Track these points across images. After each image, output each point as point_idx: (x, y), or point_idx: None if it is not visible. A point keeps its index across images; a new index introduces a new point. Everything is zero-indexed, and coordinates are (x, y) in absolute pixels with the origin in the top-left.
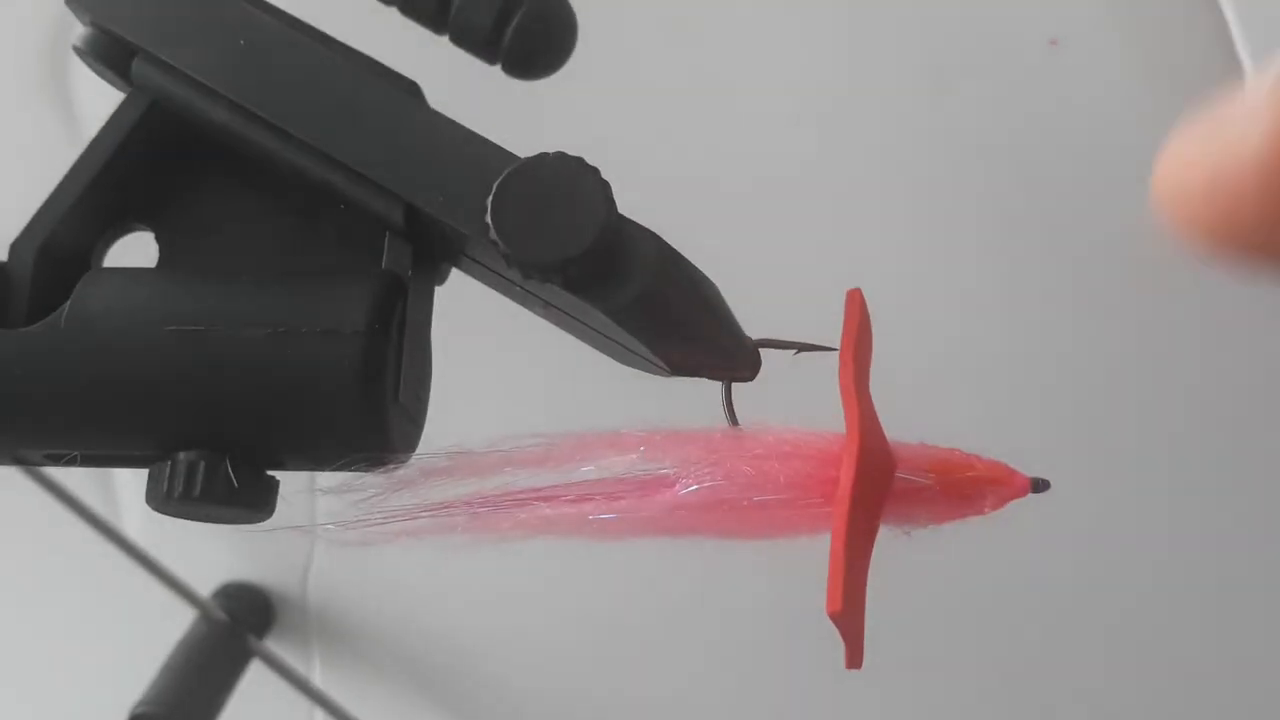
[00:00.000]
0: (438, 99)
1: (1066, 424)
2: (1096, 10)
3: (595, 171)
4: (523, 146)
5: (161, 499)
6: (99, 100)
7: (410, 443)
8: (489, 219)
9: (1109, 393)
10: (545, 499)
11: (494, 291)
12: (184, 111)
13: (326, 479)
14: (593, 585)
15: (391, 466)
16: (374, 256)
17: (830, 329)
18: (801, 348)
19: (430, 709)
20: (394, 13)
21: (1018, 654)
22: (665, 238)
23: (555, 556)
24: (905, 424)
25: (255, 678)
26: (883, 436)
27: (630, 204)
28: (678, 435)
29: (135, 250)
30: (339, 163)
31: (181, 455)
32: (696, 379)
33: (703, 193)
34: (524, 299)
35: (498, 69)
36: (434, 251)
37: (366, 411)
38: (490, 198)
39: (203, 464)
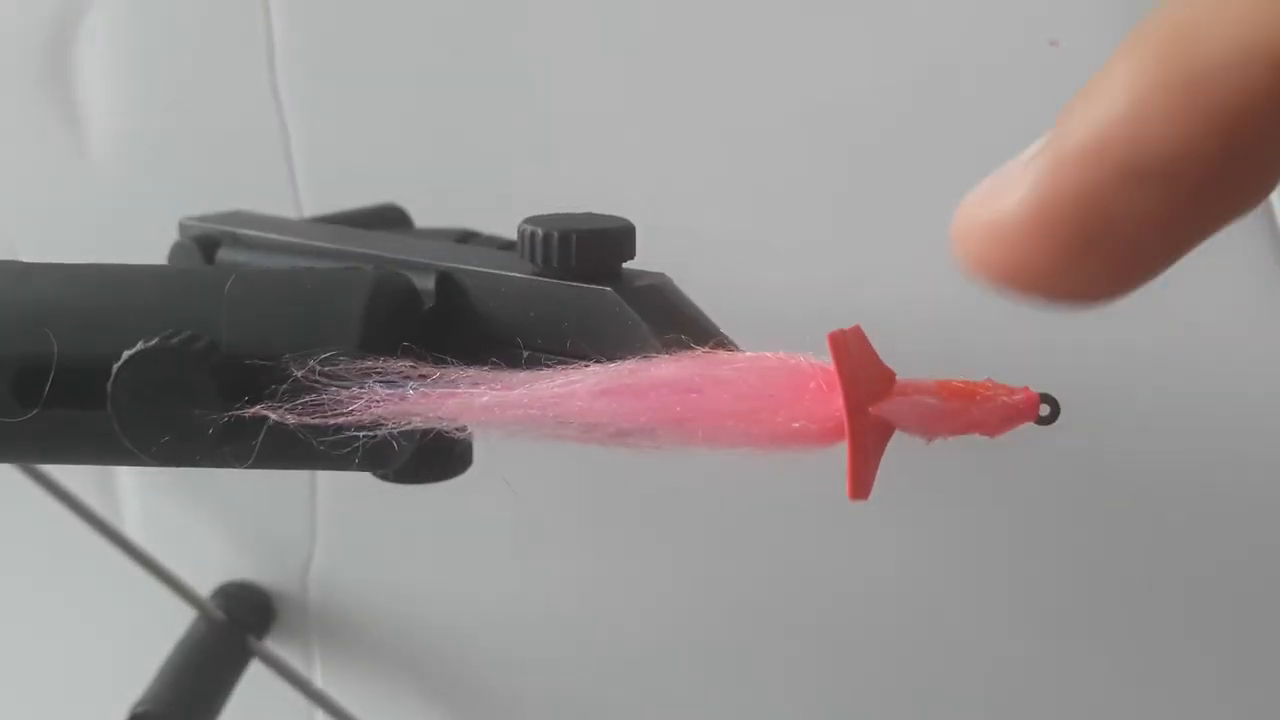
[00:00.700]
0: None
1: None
2: (1096, 10)
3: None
4: (522, 146)
5: None
6: (99, 100)
7: None
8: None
9: (1108, 388)
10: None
11: None
12: None
13: None
14: (593, 585)
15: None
16: None
17: (829, 328)
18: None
19: (430, 709)
20: None
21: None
22: (665, 236)
23: (556, 557)
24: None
25: (255, 678)
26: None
27: (629, 201)
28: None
29: None
30: None
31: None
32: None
33: (702, 193)
34: None
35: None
36: None
37: None
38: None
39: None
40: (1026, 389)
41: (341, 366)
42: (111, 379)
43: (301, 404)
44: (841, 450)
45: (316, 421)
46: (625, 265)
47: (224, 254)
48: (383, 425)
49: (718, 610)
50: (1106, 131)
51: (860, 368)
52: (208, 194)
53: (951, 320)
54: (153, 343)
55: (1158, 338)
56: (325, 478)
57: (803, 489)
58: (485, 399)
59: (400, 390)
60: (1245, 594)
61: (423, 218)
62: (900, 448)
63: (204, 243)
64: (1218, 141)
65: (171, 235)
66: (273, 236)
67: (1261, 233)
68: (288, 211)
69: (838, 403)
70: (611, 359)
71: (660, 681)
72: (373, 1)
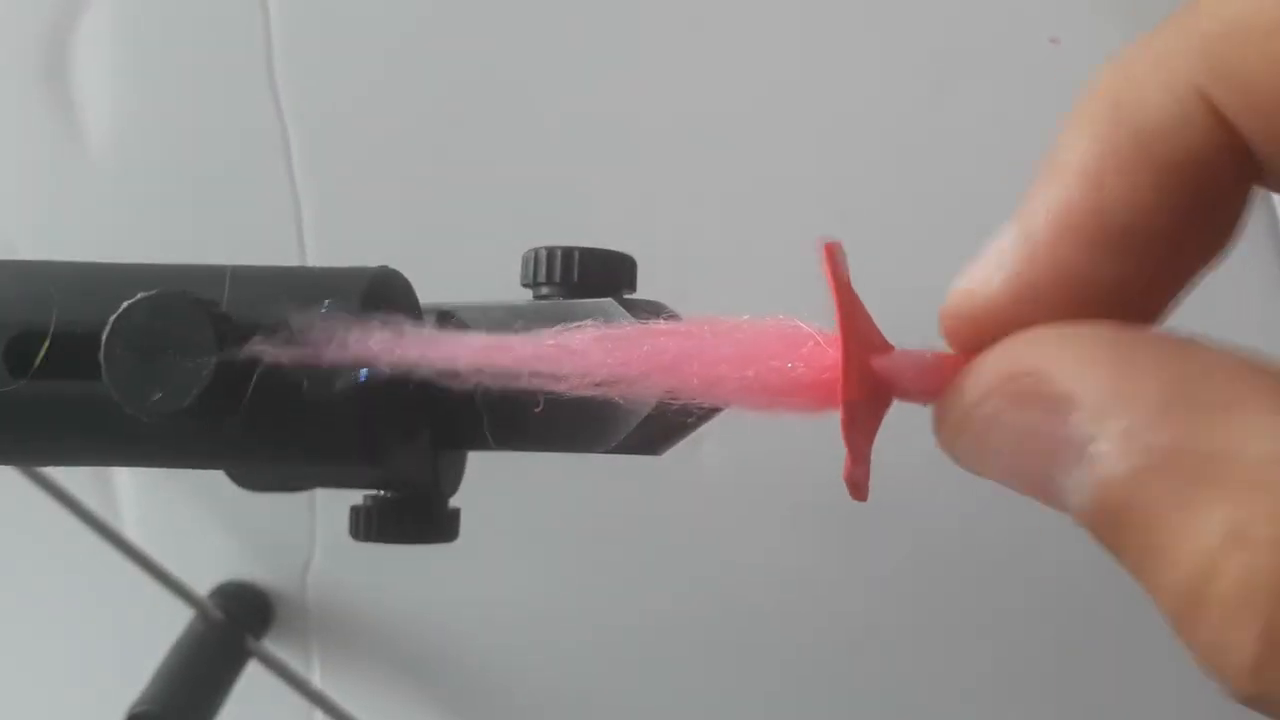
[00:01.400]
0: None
1: None
2: (1096, 10)
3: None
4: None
5: None
6: (99, 100)
7: None
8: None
9: None
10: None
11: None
12: None
13: None
14: (593, 586)
15: None
16: None
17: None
18: None
19: (430, 709)
20: None
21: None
22: (661, 237)
23: (557, 557)
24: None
25: (254, 677)
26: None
27: (629, 199)
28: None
29: None
30: None
31: None
32: None
33: (701, 194)
34: None
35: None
36: None
37: None
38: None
39: None
40: None
41: (340, 321)
42: (107, 329)
43: (298, 345)
44: (842, 451)
45: (310, 361)
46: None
47: None
48: (377, 363)
49: (719, 613)
50: (1068, 206)
51: (858, 319)
52: (208, 194)
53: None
54: (151, 292)
55: None
56: None
57: (803, 492)
58: (481, 342)
59: (397, 330)
60: None
61: (422, 217)
62: (899, 454)
63: None
64: (1175, 196)
65: (172, 235)
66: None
67: (1262, 233)
68: (288, 211)
69: (835, 353)
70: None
71: (661, 682)
72: (373, 1)
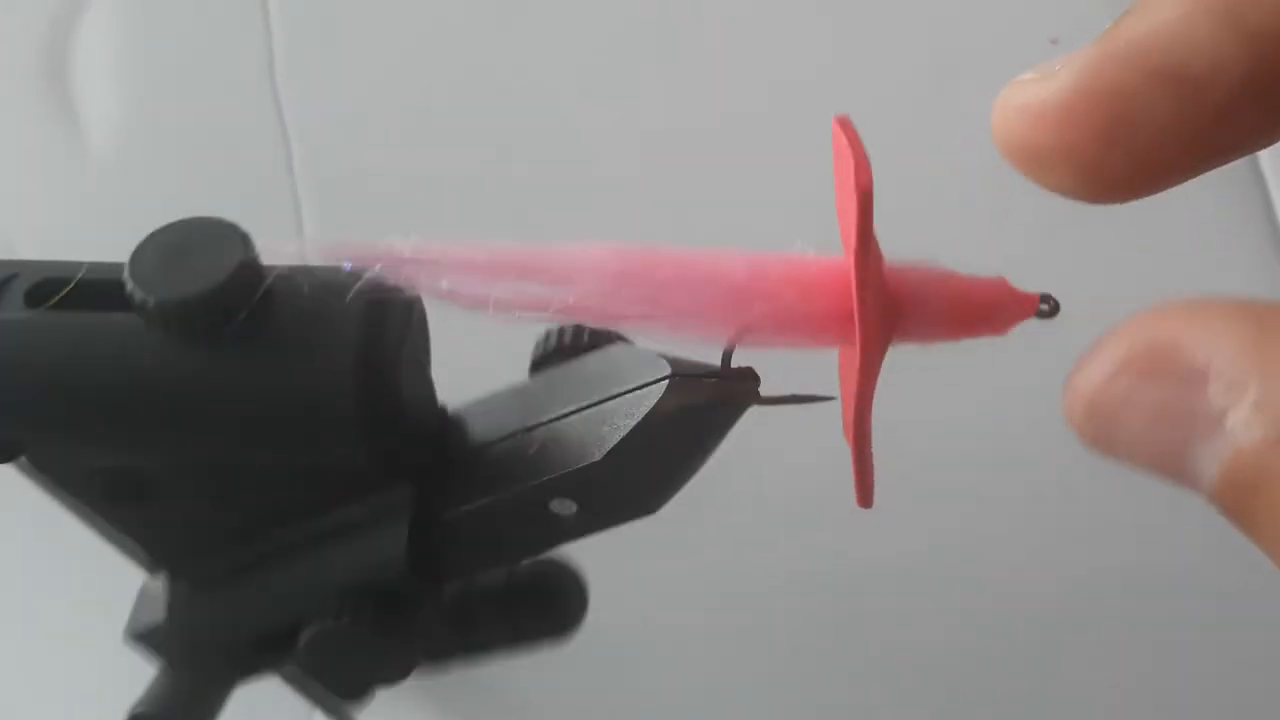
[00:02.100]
0: None
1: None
2: (1096, 10)
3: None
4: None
5: None
6: (99, 100)
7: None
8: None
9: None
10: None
11: None
12: None
13: None
14: (594, 585)
15: None
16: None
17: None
18: (797, 400)
19: (430, 709)
20: None
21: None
22: (662, 238)
23: (556, 556)
24: None
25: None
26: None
27: (630, 201)
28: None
29: None
30: None
31: None
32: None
33: (701, 196)
34: None
35: None
36: None
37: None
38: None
39: None
40: (1020, 292)
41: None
42: (140, 243)
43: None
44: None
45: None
46: None
47: None
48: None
49: (725, 609)
50: (1150, 37)
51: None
52: (208, 194)
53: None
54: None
55: None
56: None
57: (809, 488)
58: (487, 255)
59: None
60: (1245, 593)
61: (423, 218)
62: (905, 450)
63: None
64: (1249, 64)
65: None
66: None
67: (1262, 233)
68: (288, 212)
69: (847, 263)
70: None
71: (664, 681)
72: (372, 2)
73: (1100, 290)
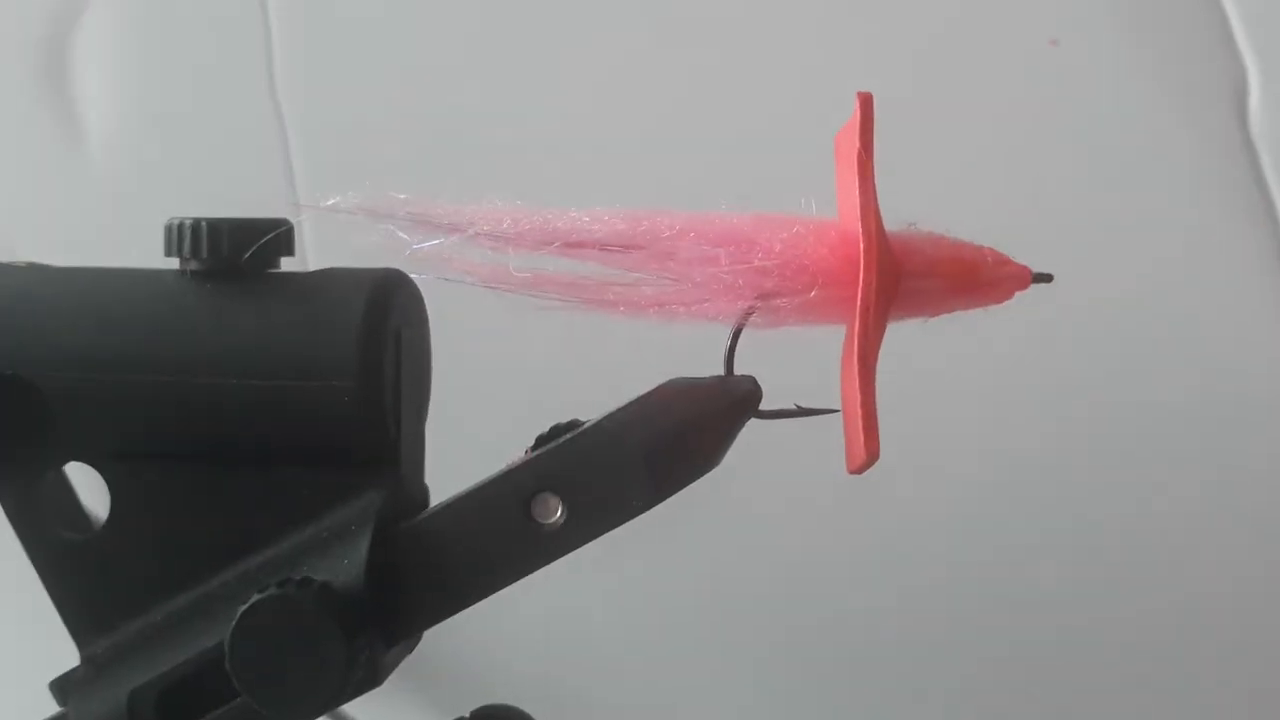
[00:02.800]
0: None
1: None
2: (1096, 10)
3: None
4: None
5: None
6: (99, 100)
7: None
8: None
9: (1109, 388)
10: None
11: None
12: None
13: None
14: (595, 585)
15: None
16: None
17: (829, 337)
18: (802, 413)
19: (430, 709)
20: None
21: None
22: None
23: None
24: None
25: None
26: (887, 240)
27: (629, 201)
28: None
29: None
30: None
31: None
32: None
33: (701, 199)
34: None
35: None
36: None
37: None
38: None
39: None
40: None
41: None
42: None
43: None
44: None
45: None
46: None
47: None
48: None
49: (722, 609)
50: None
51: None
52: (208, 194)
53: (950, 327)
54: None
55: (1158, 337)
56: None
57: (809, 486)
58: (509, 220)
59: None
60: (1245, 593)
61: None
62: (905, 440)
63: None
64: None
65: None
66: None
67: (1262, 233)
68: (288, 212)
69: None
70: None
71: (664, 680)
72: (372, 2)
73: (1101, 292)
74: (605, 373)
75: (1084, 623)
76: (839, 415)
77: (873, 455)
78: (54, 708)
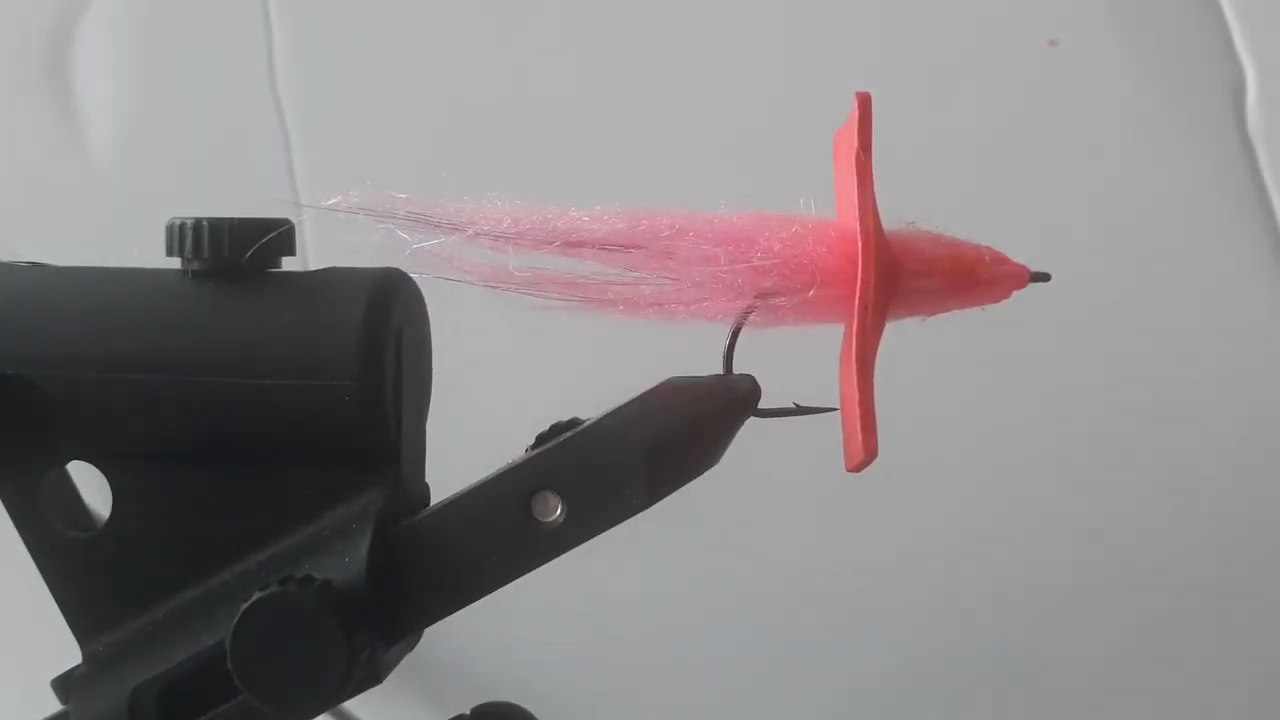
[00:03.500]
0: None
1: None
2: (1096, 10)
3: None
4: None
5: None
6: (99, 100)
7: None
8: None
9: (1108, 387)
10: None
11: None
12: None
13: None
14: (597, 582)
15: None
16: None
17: (827, 336)
18: (800, 412)
19: (431, 706)
20: None
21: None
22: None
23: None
24: None
25: None
26: (885, 242)
27: (629, 200)
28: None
29: None
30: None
31: None
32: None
33: (701, 199)
34: None
35: None
36: None
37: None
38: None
39: None
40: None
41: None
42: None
43: None
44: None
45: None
46: None
47: None
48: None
49: (720, 608)
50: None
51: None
52: (208, 194)
53: (948, 328)
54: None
55: (1156, 335)
56: None
57: (808, 485)
58: (509, 220)
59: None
60: (1245, 593)
61: None
62: (904, 438)
63: None
64: None
65: None
66: None
67: (1262, 233)
68: (288, 212)
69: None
70: None
71: (664, 680)
72: (372, 2)
73: (1099, 290)
74: (605, 372)
75: (1084, 622)
76: (838, 414)
77: (871, 453)
78: (56, 705)
